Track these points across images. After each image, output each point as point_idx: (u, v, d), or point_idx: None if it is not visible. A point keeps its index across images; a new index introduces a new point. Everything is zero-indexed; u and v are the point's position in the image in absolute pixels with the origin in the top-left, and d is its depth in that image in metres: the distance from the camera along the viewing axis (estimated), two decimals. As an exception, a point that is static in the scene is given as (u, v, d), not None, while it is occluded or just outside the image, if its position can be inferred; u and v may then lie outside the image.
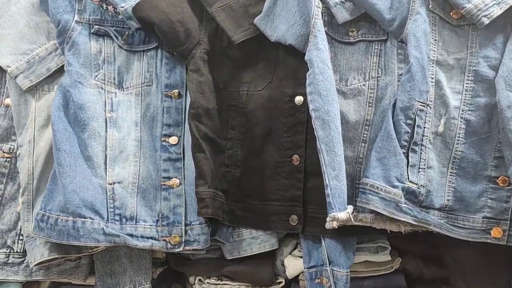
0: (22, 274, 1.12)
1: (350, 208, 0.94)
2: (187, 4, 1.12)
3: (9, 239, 1.13)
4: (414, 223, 0.95)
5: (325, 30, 1.06)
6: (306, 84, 0.98)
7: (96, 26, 1.13)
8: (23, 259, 1.12)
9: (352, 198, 1.02)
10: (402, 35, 1.04)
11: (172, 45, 1.11)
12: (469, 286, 1.09)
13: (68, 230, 0.99)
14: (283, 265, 1.13)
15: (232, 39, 1.08)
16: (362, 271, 1.11)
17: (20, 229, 1.12)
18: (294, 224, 1.06)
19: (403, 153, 0.96)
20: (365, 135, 1.04)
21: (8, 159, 1.16)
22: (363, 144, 1.04)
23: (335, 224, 0.91)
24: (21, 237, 1.12)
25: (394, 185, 0.94)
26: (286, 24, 1.06)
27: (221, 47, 1.13)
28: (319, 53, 0.99)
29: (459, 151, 0.99)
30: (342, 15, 1.06)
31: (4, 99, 1.19)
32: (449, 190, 0.99)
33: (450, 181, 0.99)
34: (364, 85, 1.06)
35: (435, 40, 1.03)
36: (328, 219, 0.92)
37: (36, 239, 1.04)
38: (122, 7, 1.09)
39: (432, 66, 1.01)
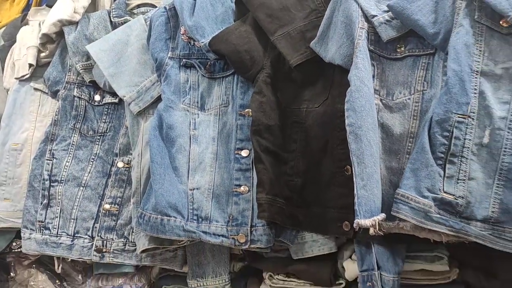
0: (134, 259, 1.41)
1: (380, 216, 0.99)
2: (254, 35, 1.30)
3: (126, 231, 1.44)
4: (450, 233, 0.97)
5: (372, 49, 1.13)
6: (345, 101, 1.07)
7: (184, 60, 1.37)
8: (135, 247, 1.40)
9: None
10: (447, 48, 1.05)
11: (241, 72, 1.30)
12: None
13: (157, 226, 1.24)
14: (343, 267, 1.22)
15: (290, 63, 1.22)
16: (418, 279, 1.15)
17: (134, 224, 1.41)
18: (347, 230, 1.14)
19: (440, 164, 0.98)
20: (409, 147, 1.08)
21: (127, 168, 1.47)
22: (407, 156, 1.07)
23: (372, 232, 0.98)
24: (133, 230, 1.42)
25: (424, 195, 0.97)
26: (336, 45, 1.15)
27: (283, 71, 1.27)
28: (358, 71, 1.07)
29: (506, 162, 0.97)
30: (387, 33, 1.11)
31: (126, 122, 1.51)
32: (494, 202, 0.97)
33: (496, 192, 0.97)
34: (409, 99, 1.10)
35: (480, 51, 1.02)
36: (354, 225, 1.00)
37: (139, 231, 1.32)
38: (202, 42, 1.31)
39: (476, 77, 1.01)
